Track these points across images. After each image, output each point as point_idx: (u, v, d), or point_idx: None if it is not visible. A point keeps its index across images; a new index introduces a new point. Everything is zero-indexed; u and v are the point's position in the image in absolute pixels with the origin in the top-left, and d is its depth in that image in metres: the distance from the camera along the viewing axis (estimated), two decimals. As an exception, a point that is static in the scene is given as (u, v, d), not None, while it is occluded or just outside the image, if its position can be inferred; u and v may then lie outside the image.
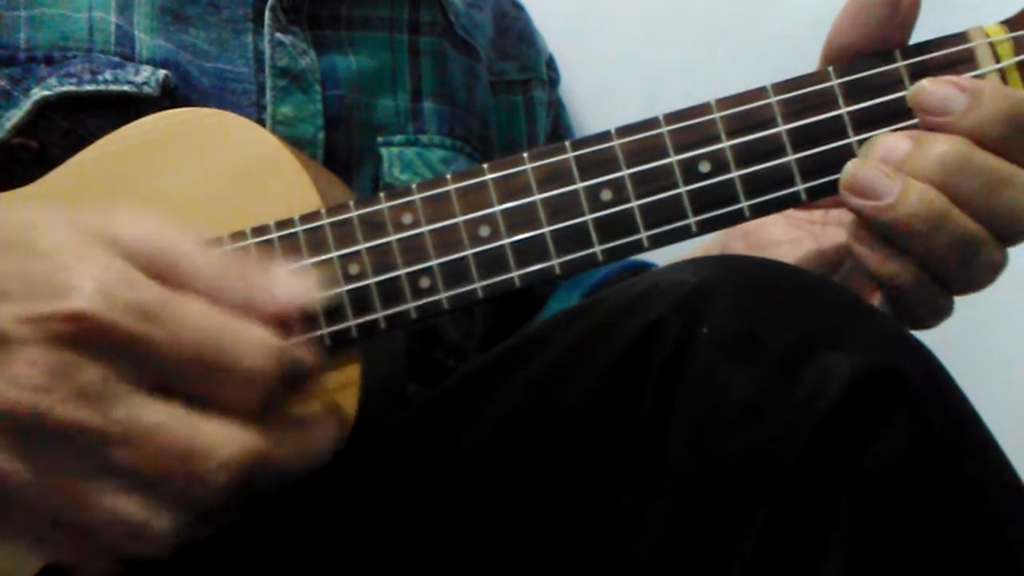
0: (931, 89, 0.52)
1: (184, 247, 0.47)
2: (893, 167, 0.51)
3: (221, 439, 0.44)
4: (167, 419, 0.44)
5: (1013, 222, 0.51)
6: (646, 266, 0.80)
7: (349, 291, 0.55)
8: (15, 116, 0.64)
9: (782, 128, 0.54)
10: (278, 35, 0.70)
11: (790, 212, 0.64)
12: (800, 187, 0.54)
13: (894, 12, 0.54)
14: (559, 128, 0.93)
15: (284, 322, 0.48)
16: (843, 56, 0.55)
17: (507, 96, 0.86)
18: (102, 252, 0.44)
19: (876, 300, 0.57)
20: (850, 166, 0.53)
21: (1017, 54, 0.54)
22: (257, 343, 0.45)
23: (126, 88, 0.65)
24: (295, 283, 0.49)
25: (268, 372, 0.45)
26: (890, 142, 0.52)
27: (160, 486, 0.44)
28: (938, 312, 0.55)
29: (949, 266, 0.52)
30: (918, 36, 0.55)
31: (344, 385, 0.56)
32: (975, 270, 0.52)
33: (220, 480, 0.44)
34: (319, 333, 0.55)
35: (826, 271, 0.61)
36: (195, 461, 0.44)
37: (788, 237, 0.64)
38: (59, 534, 0.46)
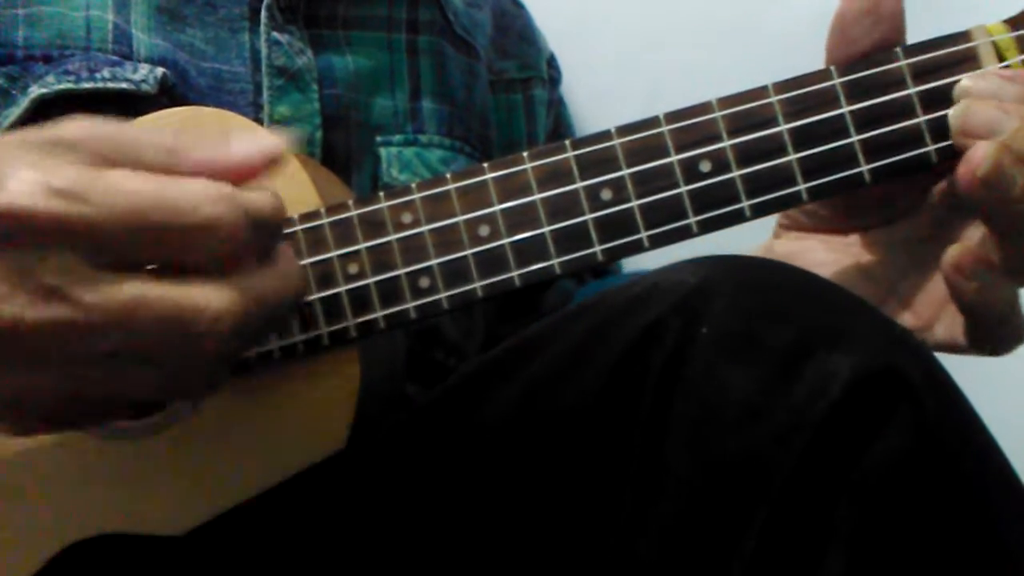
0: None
1: (128, 130, 0.45)
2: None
3: (207, 293, 0.42)
4: (142, 290, 0.42)
5: None
6: None
7: (348, 290, 0.55)
8: (13, 114, 0.64)
9: (783, 127, 0.54)
10: (275, 34, 0.70)
11: (827, 237, 0.63)
12: (802, 187, 0.54)
13: (877, 20, 0.54)
14: (560, 127, 0.92)
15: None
16: (846, 55, 0.55)
17: (507, 95, 0.86)
18: (33, 152, 0.42)
19: (949, 329, 0.57)
20: (961, 105, 0.52)
21: (1022, 52, 0.54)
22: (206, 192, 0.42)
23: (124, 86, 0.65)
24: (256, 138, 0.46)
25: (228, 218, 0.42)
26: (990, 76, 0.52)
27: (168, 356, 0.43)
28: (1020, 334, 0.54)
29: None
30: (919, 36, 0.55)
31: (343, 384, 0.56)
32: None
33: (220, 329, 0.42)
34: (318, 333, 0.55)
35: (876, 293, 0.59)
36: (188, 321, 0.42)
37: (830, 260, 0.62)
38: (107, 413, 0.47)
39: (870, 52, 0.54)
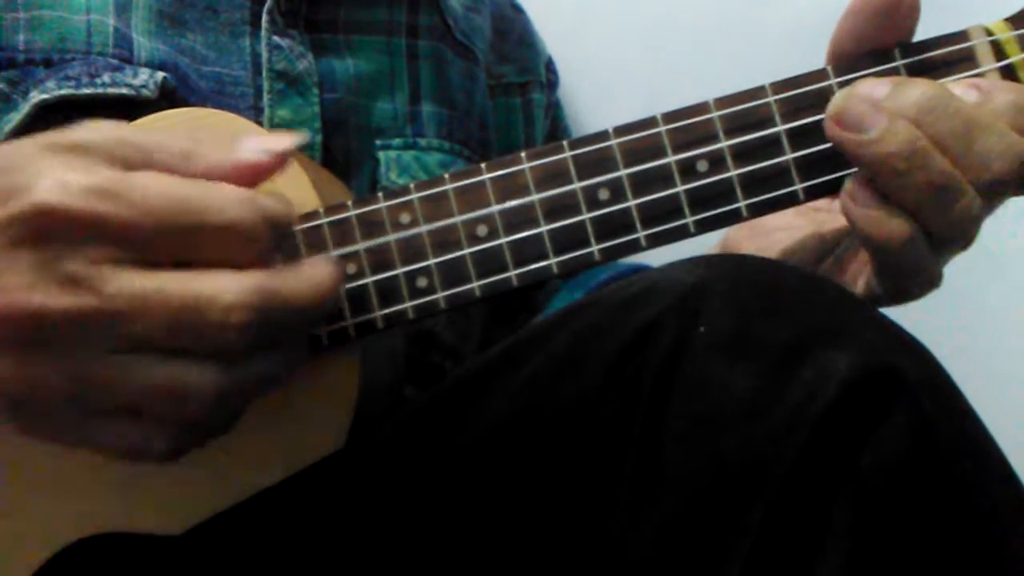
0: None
1: (139, 133, 0.47)
2: (872, 106, 0.51)
3: (223, 284, 0.44)
4: (163, 282, 0.44)
5: (986, 169, 0.51)
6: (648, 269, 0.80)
7: (347, 290, 0.55)
8: (14, 119, 0.64)
9: (780, 127, 0.54)
10: (275, 38, 0.71)
11: None
12: (798, 186, 0.54)
13: (890, 20, 0.54)
14: (557, 131, 0.93)
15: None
16: (850, 51, 0.55)
17: (505, 99, 0.86)
18: (52, 152, 0.45)
19: (866, 277, 0.57)
20: (838, 97, 0.52)
21: (1024, 50, 0.54)
22: (230, 195, 0.45)
23: (124, 91, 0.65)
24: (266, 140, 0.49)
25: (249, 220, 0.45)
26: (871, 83, 0.52)
27: (179, 344, 0.44)
28: (927, 278, 0.54)
29: (928, 212, 0.51)
30: (919, 35, 0.55)
31: (343, 384, 0.56)
32: (954, 217, 0.51)
33: (234, 320, 0.44)
34: (317, 333, 0.55)
35: (822, 252, 0.61)
36: (203, 310, 0.44)
37: (790, 224, 0.64)
38: (106, 423, 0.46)
39: (874, 49, 0.54)
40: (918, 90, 0.51)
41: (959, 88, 0.52)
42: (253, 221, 0.45)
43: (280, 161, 0.48)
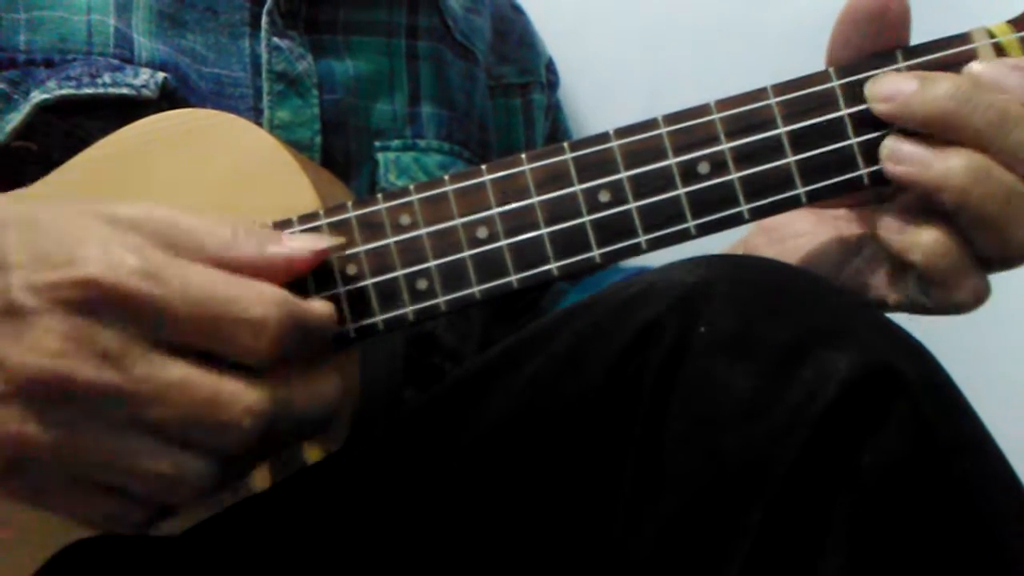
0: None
1: (185, 218, 0.48)
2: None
3: (243, 386, 0.46)
4: (188, 373, 0.45)
5: (1020, 162, 0.51)
6: None
7: (346, 292, 0.55)
8: (15, 119, 0.64)
9: (782, 130, 0.54)
10: (275, 39, 0.71)
11: (816, 208, 0.64)
12: (800, 190, 0.54)
13: (881, 24, 0.54)
14: (557, 132, 0.93)
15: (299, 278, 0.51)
16: (847, 56, 0.55)
17: (505, 100, 0.86)
18: (104, 224, 0.46)
19: (901, 285, 0.56)
20: (888, 142, 0.53)
21: (1026, 52, 0.53)
22: (263, 294, 0.47)
23: (125, 91, 0.65)
24: (304, 239, 0.51)
25: (275, 320, 0.46)
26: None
27: (189, 437, 0.46)
28: (977, 291, 0.53)
29: (988, 222, 0.51)
30: (921, 36, 0.55)
31: (342, 387, 0.56)
32: (1017, 225, 0.51)
33: (246, 425, 0.46)
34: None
35: (843, 259, 0.60)
36: (221, 409, 0.45)
37: (810, 231, 0.63)
38: (95, 495, 0.47)
39: (872, 53, 0.54)
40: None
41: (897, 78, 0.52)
42: (279, 322, 0.46)
43: (316, 260, 0.51)
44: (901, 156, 0.52)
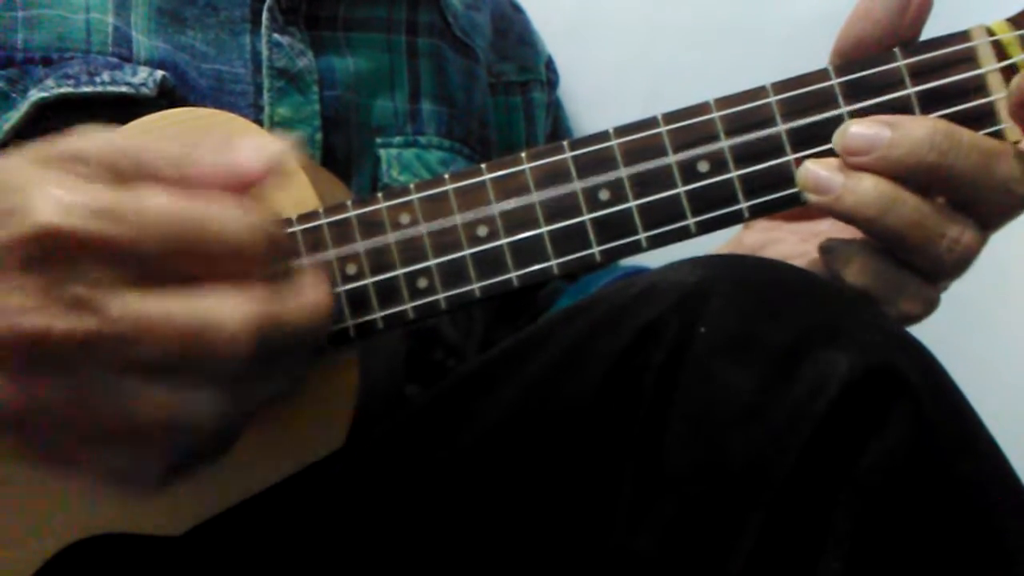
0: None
1: (130, 143, 0.45)
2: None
3: (228, 308, 0.43)
4: (168, 304, 0.43)
5: (1011, 193, 0.51)
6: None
7: (347, 291, 0.55)
8: (13, 118, 0.64)
9: (781, 128, 0.54)
10: (276, 36, 0.70)
11: (799, 227, 0.64)
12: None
13: (905, 7, 0.53)
14: (558, 130, 0.93)
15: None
16: (855, 48, 0.55)
17: (506, 97, 0.86)
18: (53, 169, 0.44)
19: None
20: (803, 168, 0.53)
21: (1027, 50, 0.53)
22: (231, 213, 0.44)
23: (123, 89, 0.65)
24: (261, 143, 0.47)
25: (249, 237, 0.44)
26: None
27: (184, 369, 0.43)
28: (926, 301, 0.54)
29: (910, 247, 0.52)
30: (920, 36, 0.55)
31: (342, 384, 0.56)
32: (938, 249, 0.52)
33: (239, 345, 0.43)
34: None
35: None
36: (209, 334, 0.43)
37: (798, 252, 0.63)
38: (105, 449, 0.45)
39: (881, 42, 0.54)
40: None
41: (868, 126, 0.52)
42: (253, 238, 0.44)
43: (277, 166, 0.47)
44: (818, 186, 0.53)
